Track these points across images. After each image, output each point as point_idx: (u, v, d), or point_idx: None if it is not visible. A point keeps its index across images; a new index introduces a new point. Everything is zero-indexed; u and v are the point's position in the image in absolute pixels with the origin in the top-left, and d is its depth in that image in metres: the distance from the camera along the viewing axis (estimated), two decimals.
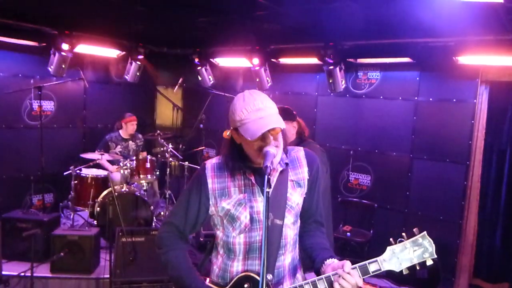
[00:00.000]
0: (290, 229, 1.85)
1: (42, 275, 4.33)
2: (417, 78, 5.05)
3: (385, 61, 5.16)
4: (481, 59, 4.29)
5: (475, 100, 4.61)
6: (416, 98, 5.07)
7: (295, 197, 1.86)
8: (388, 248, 1.70)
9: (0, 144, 5.57)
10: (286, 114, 3.13)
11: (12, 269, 4.35)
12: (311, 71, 5.86)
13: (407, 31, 4.30)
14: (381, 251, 1.72)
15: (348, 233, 5.09)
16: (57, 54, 5.38)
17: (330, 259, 1.77)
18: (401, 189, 5.18)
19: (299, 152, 1.93)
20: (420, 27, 3.98)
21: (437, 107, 4.92)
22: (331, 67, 5.17)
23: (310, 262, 1.91)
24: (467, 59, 4.34)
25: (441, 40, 4.47)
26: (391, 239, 1.71)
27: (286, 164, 1.84)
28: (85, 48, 5.71)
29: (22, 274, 4.22)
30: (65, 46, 5.30)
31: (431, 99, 4.96)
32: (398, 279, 4.64)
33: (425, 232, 1.69)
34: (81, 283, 4.40)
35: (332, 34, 4.89)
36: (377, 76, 5.40)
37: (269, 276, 1.76)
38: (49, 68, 5.53)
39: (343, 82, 5.34)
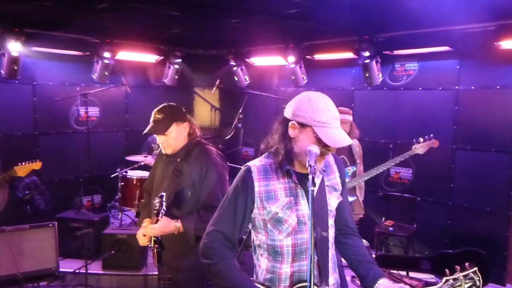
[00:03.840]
0: (330, 230, 1.90)
1: (95, 272, 4.57)
2: (457, 67, 4.91)
3: (422, 51, 5.05)
4: None
5: None
6: (456, 87, 4.93)
7: (333, 201, 1.91)
8: (445, 278, 1.79)
9: (52, 149, 5.91)
10: (177, 114, 2.68)
11: (67, 266, 4.62)
12: (346, 65, 5.82)
13: (444, 19, 4.19)
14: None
15: (391, 228, 5.01)
16: (100, 62, 5.67)
17: (382, 279, 1.82)
18: (444, 181, 5.05)
19: (329, 158, 1.97)
20: (457, 14, 3.87)
21: (479, 95, 4.76)
22: (367, 60, 5.12)
23: (356, 274, 1.96)
24: (510, 44, 4.18)
25: (479, 25, 4.33)
26: (446, 270, 1.80)
27: (323, 170, 1.88)
28: (125, 55, 5.97)
29: (77, 271, 4.49)
30: (107, 54, 5.58)
31: (472, 87, 4.81)
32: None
33: (475, 268, 1.79)
34: (131, 279, 4.60)
35: (367, 27, 4.85)
36: (415, 67, 5.30)
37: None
38: (93, 76, 5.84)
39: (380, 75, 5.29)
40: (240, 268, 1.83)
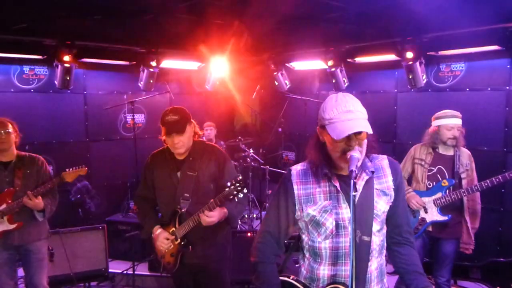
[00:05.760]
0: (376, 236, 1.84)
1: (142, 273, 4.74)
2: (508, 66, 4.68)
3: (470, 51, 4.85)
4: None
5: None
6: (507, 87, 4.70)
7: (381, 205, 1.85)
8: None
9: (101, 155, 6.21)
10: (188, 115, 2.84)
11: (116, 267, 4.83)
12: (389, 67, 5.69)
13: (492, 17, 4.02)
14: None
15: None
16: (145, 71, 5.89)
17: None
18: (495, 186, 4.81)
19: (383, 161, 1.93)
20: (507, 10, 3.71)
21: None
22: (411, 62, 5.00)
23: (404, 284, 1.91)
24: None
25: None
26: None
27: (372, 172, 1.83)
28: (169, 63, 6.16)
29: (125, 272, 4.67)
30: (152, 63, 5.79)
31: None
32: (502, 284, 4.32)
33: None
34: None
35: (410, 28, 4.73)
36: (462, 67, 5.10)
37: None
38: (139, 84, 6.07)
39: (424, 76, 5.13)
40: (276, 275, 1.91)
